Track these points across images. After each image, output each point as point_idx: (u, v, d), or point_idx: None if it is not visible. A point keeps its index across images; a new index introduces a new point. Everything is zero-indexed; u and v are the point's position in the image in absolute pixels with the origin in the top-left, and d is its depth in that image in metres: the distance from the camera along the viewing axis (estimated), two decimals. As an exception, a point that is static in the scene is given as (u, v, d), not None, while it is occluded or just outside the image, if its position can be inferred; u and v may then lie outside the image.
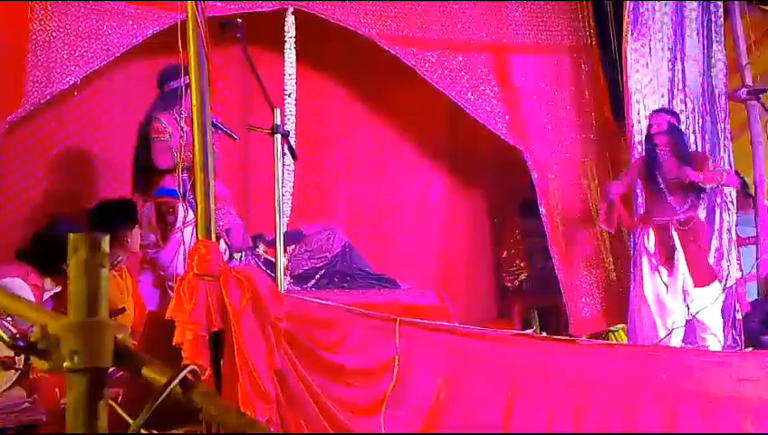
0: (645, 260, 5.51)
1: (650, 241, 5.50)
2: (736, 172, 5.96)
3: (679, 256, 5.37)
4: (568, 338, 4.17)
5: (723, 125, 6.02)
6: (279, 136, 3.71)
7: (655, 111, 5.72)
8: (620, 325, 5.83)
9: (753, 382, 3.84)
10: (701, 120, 6.08)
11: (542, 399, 3.52)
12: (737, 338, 5.49)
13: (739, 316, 5.68)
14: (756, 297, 5.87)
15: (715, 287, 5.44)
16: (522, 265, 6.67)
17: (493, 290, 6.95)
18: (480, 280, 6.94)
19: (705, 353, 4.79)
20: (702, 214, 5.74)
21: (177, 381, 1.17)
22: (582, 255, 6.10)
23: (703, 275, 5.41)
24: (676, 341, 5.19)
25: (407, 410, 3.34)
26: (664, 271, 5.42)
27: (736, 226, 5.98)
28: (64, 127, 5.31)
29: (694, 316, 5.31)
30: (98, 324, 1.17)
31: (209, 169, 2.97)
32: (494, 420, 3.43)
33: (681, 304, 5.36)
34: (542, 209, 5.92)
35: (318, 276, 5.67)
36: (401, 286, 5.83)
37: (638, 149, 5.86)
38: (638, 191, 5.87)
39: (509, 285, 6.76)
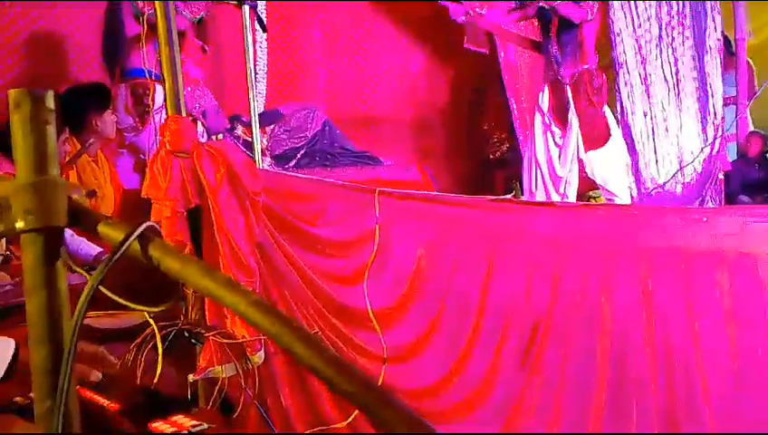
0: (538, 120, 5.34)
1: (545, 98, 5.32)
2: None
3: (572, 114, 5.15)
4: (546, 202, 4.18)
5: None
6: (247, 7, 3.61)
7: None
8: (600, 191, 5.85)
9: (730, 237, 3.89)
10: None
11: (522, 263, 3.57)
12: (716, 198, 5.53)
13: (721, 176, 5.69)
14: (735, 157, 5.89)
15: (613, 145, 5.21)
16: (503, 136, 6.65)
17: (475, 163, 6.95)
18: (462, 153, 6.93)
19: (683, 211, 4.84)
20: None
21: (135, 235, 1.15)
22: None
23: (596, 136, 5.16)
24: None
25: (388, 278, 3.38)
26: (557, 131, 5.26)
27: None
28: (28, 12, 5.14)
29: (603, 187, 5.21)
30: (49, 182, 1.14)
31: (174, 42, 2.89)
32: (474, 286, 3.48)
33: (574, 171, 5.18)
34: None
35: (299, 156, 5.64)
36: (383, 163, 5.83)
37: None
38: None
39: (491, 156, 6.76)
